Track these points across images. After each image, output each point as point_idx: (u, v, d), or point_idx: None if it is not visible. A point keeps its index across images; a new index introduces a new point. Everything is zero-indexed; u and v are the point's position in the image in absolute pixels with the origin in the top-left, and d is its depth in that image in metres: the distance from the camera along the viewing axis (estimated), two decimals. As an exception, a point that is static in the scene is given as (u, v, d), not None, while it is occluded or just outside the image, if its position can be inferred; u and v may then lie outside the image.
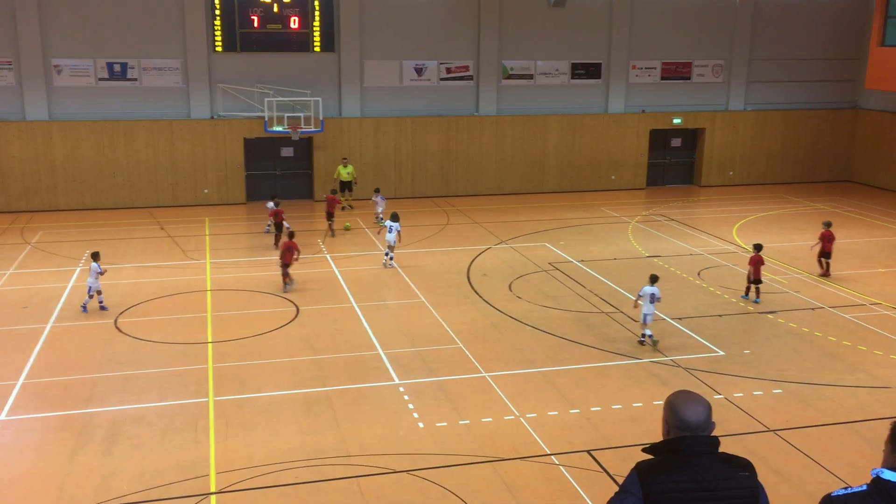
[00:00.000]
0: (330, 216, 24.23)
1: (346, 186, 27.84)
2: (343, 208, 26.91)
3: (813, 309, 17.80)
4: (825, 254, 20.03)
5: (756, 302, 18.24)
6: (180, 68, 27.80)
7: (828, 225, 20.14)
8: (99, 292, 17.28)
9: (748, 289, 18.60)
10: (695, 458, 3.76)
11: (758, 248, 18.67)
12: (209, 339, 15.88)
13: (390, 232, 20.59)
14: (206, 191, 28.41)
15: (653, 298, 15.41)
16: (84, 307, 17.26)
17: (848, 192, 31.64)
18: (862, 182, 33.12)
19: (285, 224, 22.22)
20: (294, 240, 19.39)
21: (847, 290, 19.08)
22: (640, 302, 15.53)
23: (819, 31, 32.85)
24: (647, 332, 15.57)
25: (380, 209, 25.71)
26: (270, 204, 23.90)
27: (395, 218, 21.02)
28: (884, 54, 30.37)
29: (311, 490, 10.59)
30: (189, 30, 27.48)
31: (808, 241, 22.45)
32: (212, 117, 28.23)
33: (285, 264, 18.90)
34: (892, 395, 13.50)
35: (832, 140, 33.57)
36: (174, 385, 13.77)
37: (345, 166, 27.99)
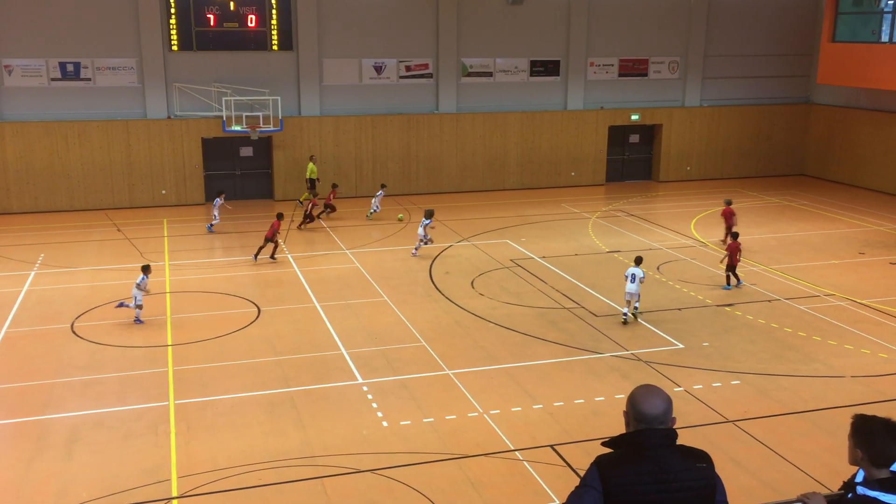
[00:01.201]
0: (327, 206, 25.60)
1: (311, 184, 27.80)
2: (301, 203, 27.30)
3: (769, 301, 18.14)
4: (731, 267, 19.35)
5: (739, 286, 18.91)
6: (135, 68, 27.38)
7: (728, 203, 21.40)
8: (139, 307, 16.50)
9: (728, 278, 19.11)
10: (653, 451, 3.82)
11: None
12: (169, 342, 15.69)
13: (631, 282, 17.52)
14: (163, 191, 28.03)
15: (634, 278, 16.37)
16: (137, 318, 16.56)
17: (802, 185, 32.27)
18: (815, 176, 33.80)
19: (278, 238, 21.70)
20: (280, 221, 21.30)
21: (802, 282, 19.48)
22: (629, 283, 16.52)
23: (772, 27, 33.44)
24: (626, 310, 16.58)
25: (376, 204, 26.04)
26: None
27: (428, 214, 21.60)
28: (834, 50, 31.03)
29: (276, 491, 10.53)
30: (144, 28, 27.07)
31: (764, 235, 22.89)
32: (168, 117, 27.85)
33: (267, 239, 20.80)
34: (846, 385, 13.82)
35: (786, 135, 34.21)
36: (134, 389, 13.58)
37: (314, 163, 28.04)
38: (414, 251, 21.67)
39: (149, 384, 13.76)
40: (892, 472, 4.16)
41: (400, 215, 26.00)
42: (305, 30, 28.49)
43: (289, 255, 21.85)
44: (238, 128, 27.20)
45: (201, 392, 13.44)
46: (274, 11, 28.24)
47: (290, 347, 15.40)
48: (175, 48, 27.63)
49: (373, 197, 26.61)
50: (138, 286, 16.55)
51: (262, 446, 11.62)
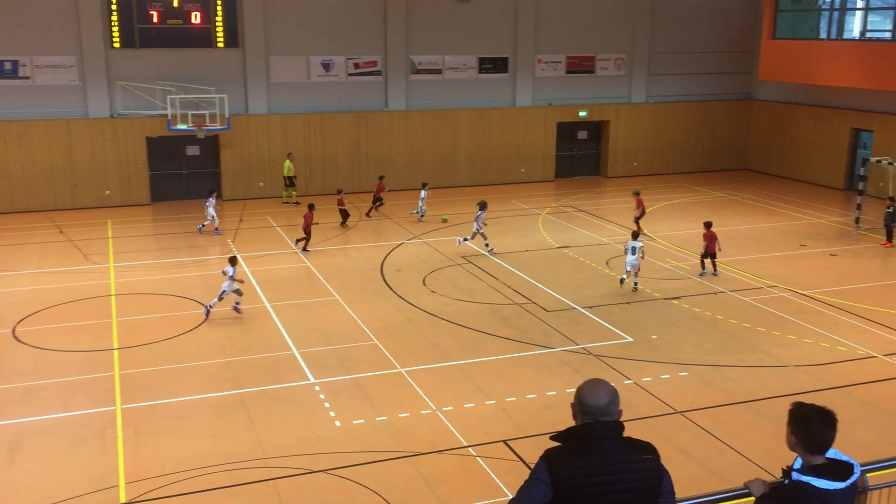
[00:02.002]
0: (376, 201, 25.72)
1: (289, 181, 27.88)
2: (293, 202, 27.70)
3: (715, 293, 18.50)
4: (709, 254, 19.86)
5: (715, 274, 19.63)
6: (76, 66, 26.75)
7: (708, 226, 20.23)
8: (238, 292, 16.97)
9: (703, 264, 19.94)
10: (600, 443, 3.88)
11: (708, 224, 20.13)
12: (115, 346, 15.38)
13: (631, 254, 18.58)
14: (107, 192, 27.46)
15: (633, 250, 18.25)
16: (236, 307, 17.02)
17: (745, 179, 32.98)
18: (757, 170, 34.57)
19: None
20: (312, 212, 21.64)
21: (746, 274, 19.91)
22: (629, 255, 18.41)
23: (714, 25, 34.09)
24: (624, 276, 18.48)
25: (422, 206, 25.77)
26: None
27: (482, 206, 21.86)
28: (775, 47, 31.76)
29: (227, 495, 10.41)
30: (84, 26, 26.46)
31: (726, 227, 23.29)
32: (111, 116, 27.28)
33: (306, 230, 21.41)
34: (789, 374, 14.18)
35: (729, 130, 34.92)
36: (79, 395, 13.28)
37: (291, 161, 27.99)
38: (463, 240, 21.77)
39: (95, 389, 13.47)
40: (827, 458, 4.29)
41: (444, 216, 25.70)
42: (251, 27, 28.15)
43: (238, 255, 21.54)
44: (184, 126, 26.78)
45: (149, 396, 13.21)
46: (219, 8, 27.85)
47: (241, 349, 15.22)
48: (117, 45, 27.07)
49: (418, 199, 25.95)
50: (232, 278, 16.77)
51: (213, 449, 11.47)
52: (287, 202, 27.92)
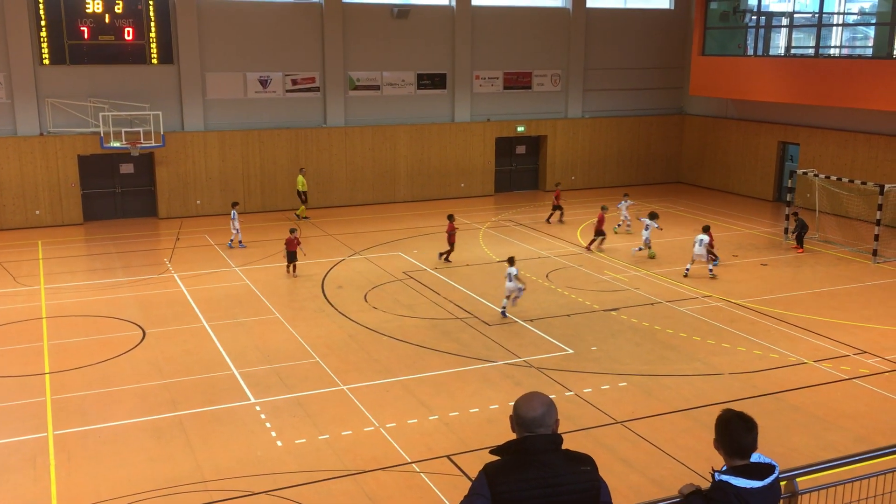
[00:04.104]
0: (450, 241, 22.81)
1: (302, 196, 28.07)
2: (303, 218, 27.88)
3: (652, 304, 18.86)
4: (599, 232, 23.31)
5: (716, 263, 21.54)
6: (3, 83, 26.02)
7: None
8: (521, 290, 17.77)
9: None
10: (538, 456, 3.93)
11: (706, 228, 21.53)
12: (46, 370, 14.92)
13: (646, 230, 22.63)
14: (37, 212, 26.70)
15: (648, 227, 22.25)
16: (503, 312, 17.81)
17: (678, 192, 33.76)
18: (690, 183, 35.44)
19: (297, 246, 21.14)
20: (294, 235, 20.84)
21: (681, 285, 20.35)
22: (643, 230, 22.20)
23: (646, 41, 34.93)
24: (638, 248, 21.67)
25: (626, 215, 26.35)
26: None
27: (653, 216, 23.09)
28: (704, 63, 32.69)
29: (166, 520, 10.17)
30: (11, 42, 25.77)
31: (624, 242, 23.80)
32: (41, 134, 26.57)
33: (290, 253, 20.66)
34: (724, 381, 14.53)
35: (662, 144, 35.75)
36: (8, 421, 12.84)
37: (303, 176, 28.22)
38: (637, 249, 23.02)
39: (25, 415, 13.04)
40: (751, 461, 4.45)
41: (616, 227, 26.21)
42: (186, 43, 27.79)
43: (175, 275, 21.19)
44: (117, 144, 26.24)
45: (82, 421, 12.85)
46: (152, 24, 27.42)
47: (178, 370, 14.93)
48: (46, 62, 26.42)
49: (622, 211, 26.45)
50: (518, 278, 17.54)
51: (149, 474, 11.20)
52: (306, 217, 28.13)
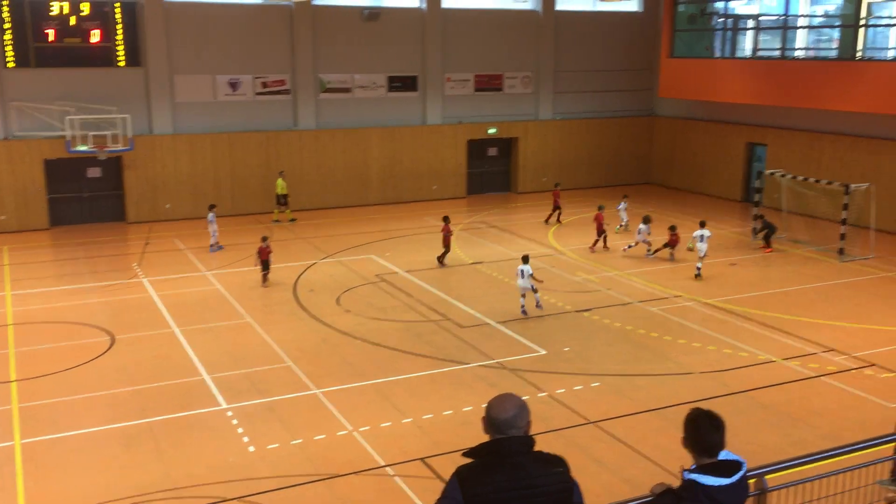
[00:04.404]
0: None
1: (282, 200, 27.90)
2: (288, 219, 27.83)
3: (624, 304, 18.99)
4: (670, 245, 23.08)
5: (671, 259, 22.61)
6: (-34, 85, 25.59)
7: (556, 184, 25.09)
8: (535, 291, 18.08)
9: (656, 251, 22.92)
10: (511, 459, 3.94)
11: (673, 228, 22.82)
12: (13, 378, 14.69)
13: (700, 242, 21.50)
14: (2, 217, 26.27)
15: (702, 238, 20.99)
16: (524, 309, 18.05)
17: (649, 193, 34.03)
18: (660, 184, 35.74)
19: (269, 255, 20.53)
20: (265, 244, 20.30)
21: (651, 285, 20.52)
22: (697, 243, 21.12)
23: (616, 44, 35.18)
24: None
25: (625, 216, 26.45)
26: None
27: (646, 220, 23.11)
28: (673, 65, 33.01)
29: (136, 528, 10.05)
30: (-25, 44, 25.35)
31: (616, 241, 23.93)
32: (6, 138, 26.16)
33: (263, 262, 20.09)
34: (695, 380, 14.66)
35: (633, 145, 36.02)
36: (-26, 431, 12.62)
37: (283, 179, 28.02)
38: (648, 254, 23.21)
39: (-9, 424, 12.83)
40: (720, 459, 4.51)
41: (690, 244, 25.57)
42: (154, 45, 27.51)
43: (144, 280, 20.96)
44: (84, 148, 25.91)
45: (51, 429, 12.66)
46: (119, 26, 27.11)
47: (149, 376, 14.76)
48: (11, 65, 26.02)
49: (620, 213, 26.62)
50: (533, 277, 17.79)
51: (120, 482, 11.06)
52: (278, 220, 27.90)
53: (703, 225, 21.67)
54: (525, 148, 33.88)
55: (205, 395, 13.96)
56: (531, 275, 17.87)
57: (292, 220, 28.13)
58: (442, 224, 22.47)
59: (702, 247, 21.00)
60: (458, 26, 32.00)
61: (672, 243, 22.82)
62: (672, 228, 22.98)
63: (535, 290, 18.16)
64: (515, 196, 33.63)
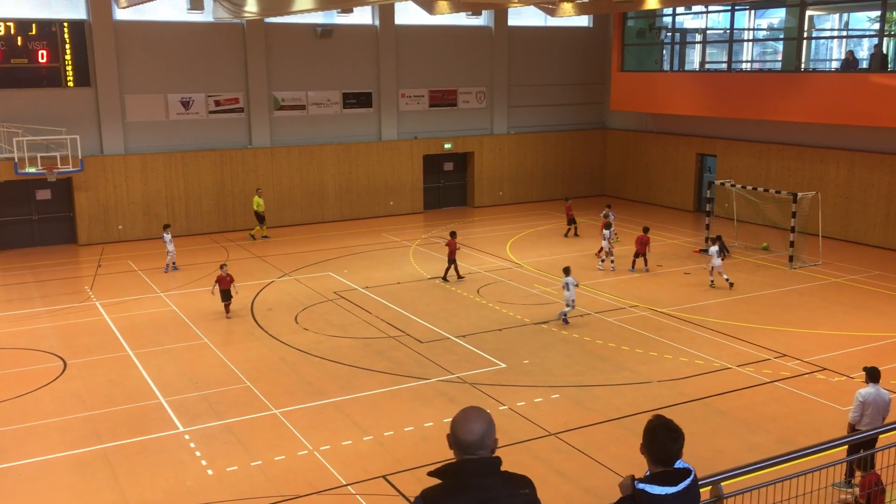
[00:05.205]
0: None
1: (260, 218, 27.82)
2: (261, 236, 27.85)
3: (581, 315, 19.15)
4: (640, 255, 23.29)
5: (646, 270, 22.96)
6: None
7: (646, 230, 23.62)
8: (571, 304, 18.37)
9: (634, 263, 23.14)
10: (477, 480, 3.90)
11: (645, 230, 23.31)
12: (-39, 407, 14.27)
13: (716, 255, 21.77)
14: (-52, 242, 25.60)
15: (719, 253, 21.29)
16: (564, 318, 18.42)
17: (602, 205, 34.30)
18: (613, 195, 36.18)
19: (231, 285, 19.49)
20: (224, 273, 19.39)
21: (608, 296, 20.73)
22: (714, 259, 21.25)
23: (568, 58, 35.65)
24: (726, 277, 20.72)
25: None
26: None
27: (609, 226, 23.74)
28: (624, 79, 33.54)
29: (92, 558, 9.81)
30: (-84, 65, 24.73)
31: (572, 254, 24.14)
32: (-50, 160, 25.53)
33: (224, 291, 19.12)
34: (653, 389, 14.83)
35: (586, 158, 36.45)
36: (-80, 463, 12.22)
37: (259, 196, 27.96)
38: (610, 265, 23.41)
39: (-62, 456, 12.44)
40: (673, 468, 4.56)
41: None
42: (103, 65, 27.13)
43: (97, 302, 20.57)
44: (33, 170, 25.38)
45: (1, 458, 12.31)
46: (67, 46, 26.69)
47: (102, 401, 14.47)
48: (-45, 86, 25.44)
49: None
50: (574, 286, 18.32)
51: (75, 510, 10.81)
52: (254, 237, 27.94)
53: (715, 241, 22.02)
54: (480, 162, 34.09)
55: (161, 418, 13.72)
56: (575, 285, 18.49)
57: (265, 237, 28.05)
58: (448, 238, 22.49)
59: (717, 261, 21.34)
60: (411, 42, 32.14)
61: (640, 250, 23.02)
62: (645, 230, 23.36)
63: (567, 304, 18.55)
64: (472, 210, 33.77)
